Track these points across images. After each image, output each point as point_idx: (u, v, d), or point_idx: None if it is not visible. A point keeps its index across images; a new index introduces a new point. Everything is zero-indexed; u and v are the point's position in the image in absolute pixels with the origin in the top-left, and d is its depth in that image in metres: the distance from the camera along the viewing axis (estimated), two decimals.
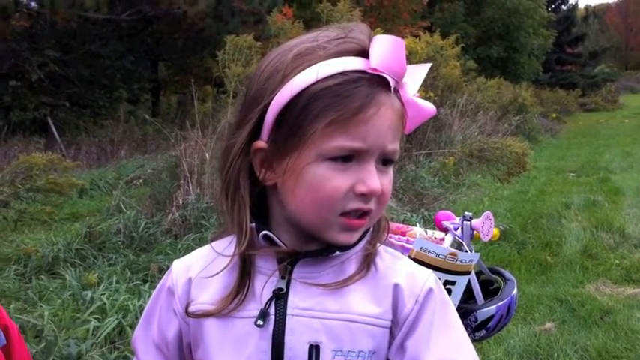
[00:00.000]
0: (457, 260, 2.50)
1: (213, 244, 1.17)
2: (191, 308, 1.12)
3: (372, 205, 1.04)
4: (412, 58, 11.76)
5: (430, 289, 1.09)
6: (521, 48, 32.14)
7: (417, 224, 3.45)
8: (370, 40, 1.03)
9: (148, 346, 1.20)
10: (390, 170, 1.07)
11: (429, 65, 1.14)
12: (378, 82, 1.01)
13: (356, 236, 1.07)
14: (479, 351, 4.04)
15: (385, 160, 1.05)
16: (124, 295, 4.30)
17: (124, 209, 6.74)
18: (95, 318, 3.97)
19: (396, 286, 1.08)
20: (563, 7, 43.76)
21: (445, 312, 1.10)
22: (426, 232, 2.94)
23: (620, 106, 35.27)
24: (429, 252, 2.47)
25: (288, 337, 1.06)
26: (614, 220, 7.55)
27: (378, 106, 1.00)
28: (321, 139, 1.00)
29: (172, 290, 1.16)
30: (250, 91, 1.09)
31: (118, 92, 17.21)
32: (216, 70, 9.37)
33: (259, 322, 1.06)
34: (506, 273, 3.02)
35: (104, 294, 4.39)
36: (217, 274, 1.11)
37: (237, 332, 1.08)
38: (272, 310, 1.07)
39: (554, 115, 25.01)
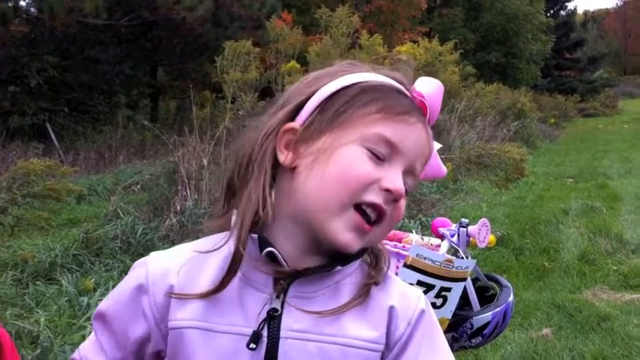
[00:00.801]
0: (453, 267, 2.50)
1: (196, 247, 1.11)
2: (171, 323, 1.06)
3: (388, 209, 1.02)
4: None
5: (422, 312, 1.09)
6: (520, 53, 32.18)
7: (414, 231, 3.45)
8: (408, 80, 1.12)
9: (111, 335, 1.12)
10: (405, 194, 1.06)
11: (439, 146, 1.19)
12: (417, 107, 1.08)
13: (359, 244, 1.03)
14: (475, 358, 4.05)
15: (405, 179, 1.05)
16: None
17: (122, 215, 6.73)
18: (91, 324, 3.97)
19: (391, 308, 1.07)
20: (562, 13, 43.82)
21: (432, 333, 1.10)
22: (422, 239, 2.94)
23: (619, 111, 35.34)
24: (424, 259, 2.47)
25: None
26: (612, 226, 7.55)
27: (418, 121, 1.06)
28: (365, 123, 1.02)
29: (146, 289, 1.08)
30: (290, 89, 1.13)
31: (117, 97, 17.22)
32: (215, 76, 9.39)
33: (252, 345, 1.01)
34: (503, 280, 3.02)
35: (101, 300, 4.38)
36: (210, 287, 1.04)
37: (223, 348, 1.03)
38: (264, 332, 1.02)
39: (552, 121, 25.05)
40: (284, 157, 1.05)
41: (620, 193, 10.17)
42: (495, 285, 2.97)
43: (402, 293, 1.10)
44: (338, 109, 1.04)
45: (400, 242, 2.86)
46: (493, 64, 30.70)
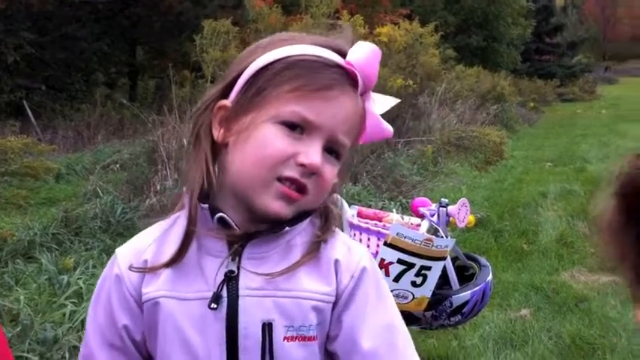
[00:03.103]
0: (433, 246, 2.52)
1: (160, 226, 1.19)
2: (144, 297, 1.13)
3: (308, 182, 1.07)
4: (391, 45, 11.77)
5: (364, 268, 1.14)
6: (500, 37, 32.23)
7: (394, 210, 3.47)
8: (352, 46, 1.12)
9: (102, 342, 1.18)
10: (335, 162, 1.11)
11: (397, 100, 1.23)
12: (348, 77, 1.09)
13: (289, 210, 1.09)
14: (454, 337, 4.09)
15: (331, 149, 1.10)
16: None
17: (101, 194, 6.68)
18: (72, 302, 3.96)
19: (336, 262, 1.13)
20: None
21: (379, 287, 1.16)
22: (403, 219, 2.96)
23: (598, 97, 35.58)
24: (405, 237, 2.49)
25: (241, 318, 1.09)
26: (589, 209, 7.62)
27: (340, 94, 1.08)
28: (281, 102, 1.07)
29: (121, 278, 1.16)
30: (232, 64, 1.18)
31: (95, 76, 17.00)
32: (195, 55, 9.30)
33: (213, 305, 1.08)
34: (482, 259, 3.04)
35: (80, 278, 4.37)
36: (174, 255, 1.12)
37: (191, 314, 1.10)
38: (224, 293, 1.09)
39: (532, 105, 25.16)
40: (217, 133, 1.12)
41: (598, 177, 10.26)
42: (474, 264, 3.00)
43: (346, 249, 1.16)
44: (259, 87, 1.09)
45: (380, 221, 2.88)
46: (473, 48, 30.72)
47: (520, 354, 3.97)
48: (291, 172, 1.06)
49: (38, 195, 7.85)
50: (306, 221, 1.15)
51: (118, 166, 8.36)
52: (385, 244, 2.51)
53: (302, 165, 1.06)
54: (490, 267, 2.90)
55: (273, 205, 1.07)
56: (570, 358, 3.90)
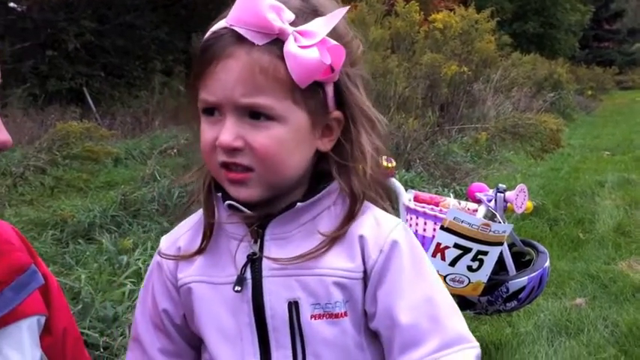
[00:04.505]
0: (490, 231, 2.52)
1: (198, 214, 1.20)
2: (179, 282, 1.17)
3: (240, 159, 1.04)
4: (446, 32, 11.65)
5: (394, 242, 1.10)
6: (557, 24, 31.57)
7: (451, 195, 3.46)
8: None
9: (147, 324, 1.23)
10: (268, 124, 1.04)
11: (342, 10, 1.07)
12: (238, 36, 1.02)
13: (244, 191, 1.07)
14: (508, 324, 4.07)
15: (253, 114, 1.03)
16: None
17: (158, 178, 6.82)
18: (131, 282, 4.06)
19: (361, 237, 1.10)
20: None
21: (415, 260, 1.12)
22: (459, 203, 2.96)
23: None
24: (462, 222, 2.49)
25: (267, 298, 1.10)
26: None
27: (225, 60, 1.02)
28: (199, 95, 1.06)
29: (161, 265, 1.21)
30: None
31: (152, 63, 17.28)
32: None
33: (237, 287, 1.10)
34: (539, 245, 3.03)
35: (139, 259, 4.47)
36: (200, 244, 1.16)
37: (222, 298, 1.13)
38: (248, 275, 1.10)
39: (590, 93, 24.64)
40: None
41: None
42: (532, 250, 2.98)
43: (375, 223, 1.12)
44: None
45: (437, 206, 2.88)
46: (530, 34, 30.17)
47: (575, 342, 3.93)
48: (220, 157, 1.05)
49: (98, 179, 8.04)
50: (330, 198, 1.12)
51: (174, 151, 8.51)
52: (442, 228, 2.52)
53: (220, 147, 1.04)
54: (547, 253, 2.88)
55: (231, 190, 1.08)
56: (627, 346, 3.83)
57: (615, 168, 9.97)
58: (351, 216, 1.11)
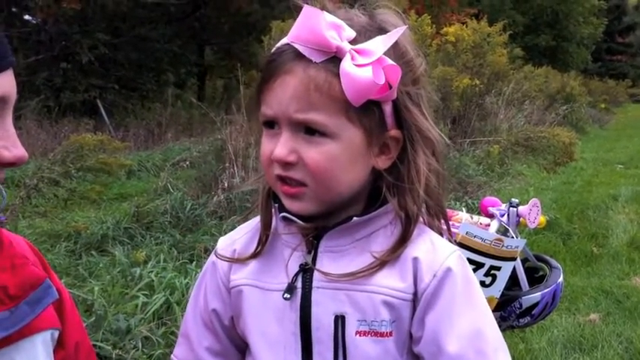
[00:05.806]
0: (503, 246, 2.50)
1: (257, 219, 1.21)
2: (231, 283, 1.20)
3: (293, 174, 1.05)
4: (459, 45, 11.66)
5: (449, 268, 1.09)
6: (570, 37, 31.55)
7: (463, 209, 3.45)
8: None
9: (197, 321, 1.25)
10: (321, 140, 1.04)
11: (400, 30, 1.07)
12: (297, 53, 1.04)
13: (301, 205, 1.08)
14: (521, 340, 4.04)
15: (307, 129, 1.04)
16: (171, 274, 4.37)
17: (171, 190, 6.84)
18: (143, 294, 4.06)
19: (415, 259, 1.09)
20: None
21: (468, 290, 1.10)
22: (472, 218, 2.94)
23: None
24: (474, 237, 2.47)
25: (314, 309, 1.10)
26: None
27: (284, 76, 1.04)
28: (260, 108, 1.09)
29: (216, 265, 1.23)
30: None
31: (165, 76, 17.42)
32: (262, 56, 9.41)
33: (286, 295, 1.11)
34: (552, 261, 3.00)
35: (152, 271, 4.48)
36: (255, 249, 1.18)
37: (271, 304, 1.14)
38: (299, 284, 1.12)
39: (602, 106, 24.55)
40: None
41: None
42: (545, 266, 2.96)
43: (431, 247, 1.11)
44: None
45: (449, 220, 2.86)
46: (542, 48, 30.16)
47: (589, 358, 3.90)
48: (276, 170, 1.06)
49: (111, 190, 8.09)
50: (387, 217, 1.12)
51: (187, 163, 8.54)
52: (454, 242, 2.50)
53: (276, 161, 1.05)
54: (561, 268, 2.85)
55: (286, 202, 1.09)
56: None
57: (629, 182, 9.93)
58: (404, 238, 1.10)
